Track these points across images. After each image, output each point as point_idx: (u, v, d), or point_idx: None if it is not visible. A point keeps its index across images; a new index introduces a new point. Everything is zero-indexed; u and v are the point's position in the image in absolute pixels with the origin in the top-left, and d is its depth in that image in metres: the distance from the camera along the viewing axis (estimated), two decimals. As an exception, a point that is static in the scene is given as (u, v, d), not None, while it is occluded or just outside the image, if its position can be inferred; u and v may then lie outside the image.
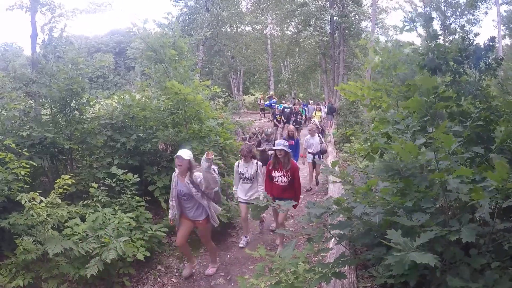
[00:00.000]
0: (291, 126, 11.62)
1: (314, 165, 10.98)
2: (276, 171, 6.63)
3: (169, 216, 5.93)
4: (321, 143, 11.17)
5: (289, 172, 6.55)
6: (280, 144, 6.57)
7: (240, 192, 7.06)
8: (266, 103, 28.68)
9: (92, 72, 8.15)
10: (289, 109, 20.04)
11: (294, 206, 5.90)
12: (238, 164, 7.04)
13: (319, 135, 11.30)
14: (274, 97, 30.51)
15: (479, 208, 3.07)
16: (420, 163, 3.13)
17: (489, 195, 2.79)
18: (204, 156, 5.02)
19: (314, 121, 16.41)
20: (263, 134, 11.09)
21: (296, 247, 6.05)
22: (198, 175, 5.37)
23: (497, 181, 2.55)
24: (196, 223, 5.71)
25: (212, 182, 5.25)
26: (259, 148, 10.35)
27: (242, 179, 6.97)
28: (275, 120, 20.37)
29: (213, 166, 5.32)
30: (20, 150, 5.84)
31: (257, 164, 6.86)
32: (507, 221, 3.35)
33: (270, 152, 9.29)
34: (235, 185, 7.15)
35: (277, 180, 6.62)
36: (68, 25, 9.66)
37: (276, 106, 23.81)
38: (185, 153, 5.40)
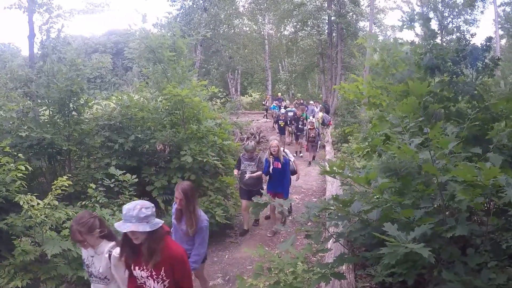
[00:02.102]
0: (274, 142, 7.68)
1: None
2: (138, 267, 3.13)
3: None
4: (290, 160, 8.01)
5: (162, 271, 3.05)
6: (128, 218, 2.89)
7: None
8: (271, 106, 25.78)
9: (90, 73, 8.15)
10: (292, 113, 17.35)
11: None
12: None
13: (285, 150, 8.14)
14: (283, 98, 28.22)
15: (474, 207, 3.10)
16: (417, 163, 3.15)
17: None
18: None
19: (310, 118, 15.32)
20: (244, 150, 7.94)
21: (294, 247, 6.05)
22: None
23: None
24: None
25: None
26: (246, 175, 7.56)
27: (90, 276, 3.46)
28: (276, 127, 18.00)
29: None
30: (16, 154, 5.81)
31: (109, 255, 3.26)
32: (504, 219, 3.37)
33: (249, 174, 7.50)
34: None
35: (143, 283, 3.15)
36: (65, 26, 9.57)
37: (281, 110, 20.87)
38: None
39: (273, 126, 19.77)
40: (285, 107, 21.34)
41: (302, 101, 25.24)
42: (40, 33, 9.17)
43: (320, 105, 22.29)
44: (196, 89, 8.38)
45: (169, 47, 8.59)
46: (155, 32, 9.32)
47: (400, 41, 5.44)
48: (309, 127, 14.39)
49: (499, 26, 29.81)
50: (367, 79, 5.48)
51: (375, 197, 3.48)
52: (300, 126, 15.97)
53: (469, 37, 5.08)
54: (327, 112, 22.50)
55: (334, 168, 3.32)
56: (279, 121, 17.40)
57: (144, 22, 8.91)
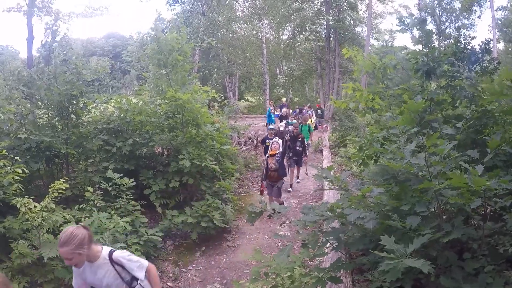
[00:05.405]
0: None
1: None
2: None
3: None
4: None
5: None
6: None
7: None
8: (272, 114, 19.76)
9: (89, 76, 8.13)
10: (292, 127, 12.08)
11: None
12: None
13: (124, 264, 3.15)
14: (286, 103, 23.06)
15: (470, 212, 3.11)
16: (412, 171, 3.16)
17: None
18: None
19: (275, 139, 9.84)
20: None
21: (292, 251, 6.04)
22: None
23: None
24: None
25: None
26: None
27: None
28: (263, 149, 12.51)
29: None
30: (12, 156, 5.78)
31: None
32: (500, 223, 3.38)
33: None
34: None
35: None
36: (66, 29, 9.62)
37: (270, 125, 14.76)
38: None
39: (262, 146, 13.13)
40: (286, 117, 16.83)
41: (301, 108, 24.37)
42: (46, 36, 9.18)
43: (312, 110, 22.65)
44: (196, 93, 8.41)
45: (178, 51, 8.66)
46: (172, 35, 9.33)
47: (388, 49, 5.53)
48: (269, 151, 9.26)
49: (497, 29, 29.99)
50: (357, 87, 5.55)
51: (372, 204, 3.49)
52: (298, 148, 11.15)
53: (468, 40, 5.10)
54: (322, 116, 22.92)
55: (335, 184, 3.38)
56: (266, 141, 11.57)
57: (159, 22, 8.99)
